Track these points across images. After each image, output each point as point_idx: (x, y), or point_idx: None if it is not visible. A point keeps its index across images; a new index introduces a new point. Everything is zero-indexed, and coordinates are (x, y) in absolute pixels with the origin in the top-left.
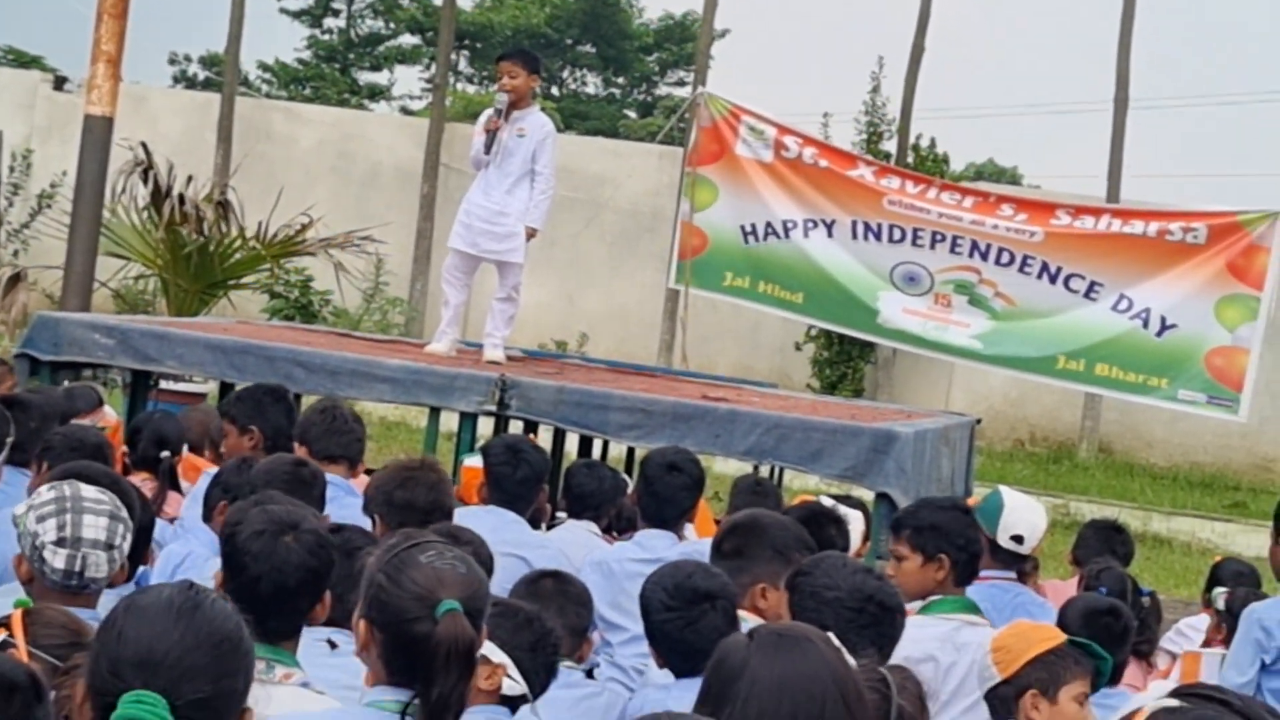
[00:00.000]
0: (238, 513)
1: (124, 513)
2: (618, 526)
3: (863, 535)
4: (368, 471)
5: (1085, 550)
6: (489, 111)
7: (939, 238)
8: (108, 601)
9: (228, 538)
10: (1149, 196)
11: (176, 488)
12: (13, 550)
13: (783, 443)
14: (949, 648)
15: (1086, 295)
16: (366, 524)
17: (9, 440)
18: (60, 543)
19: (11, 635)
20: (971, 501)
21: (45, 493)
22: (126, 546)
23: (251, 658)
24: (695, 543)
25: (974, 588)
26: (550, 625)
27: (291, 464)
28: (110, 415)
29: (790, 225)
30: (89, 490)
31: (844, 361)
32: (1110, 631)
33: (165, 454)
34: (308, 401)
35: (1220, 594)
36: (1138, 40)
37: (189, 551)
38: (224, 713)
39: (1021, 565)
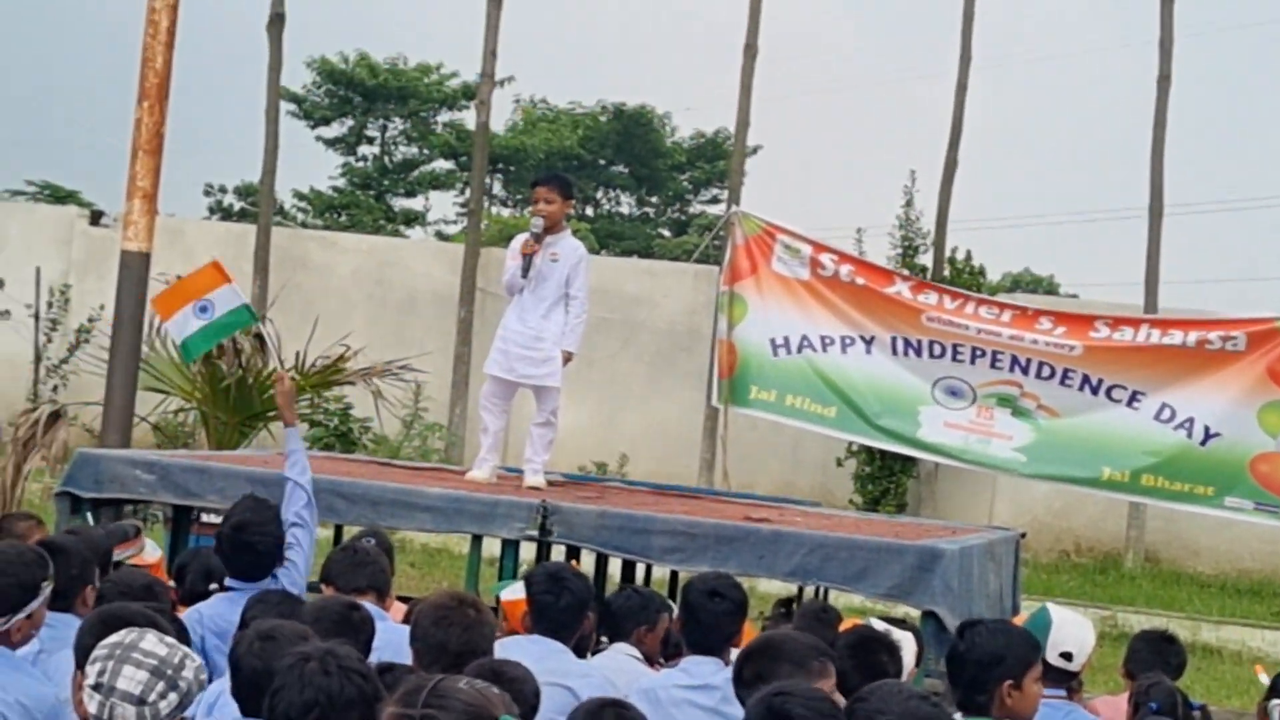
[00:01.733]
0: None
1: (182, 671)
2: (664, 653)
3: (916, 657)
4: (408, 600)
5: (1136, 663)
6: (523, 236)
7: (979, 353)
8: None
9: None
10: (1186, 302)
11: None
12: (55, 694)
13: (827, 563)
14: None
15: (1129, 404)
16: (404, 648)
17: (46, 585)
18: (97, 688)
19: None
20: (1019, 620)
21: (111, 637)
22: (166, 706)
23: None
24: None
25: None
26: None
27: (344, 607)
28: (152, 552)
29: (828, 341)
30: (148, 641)
31: (886, 477)
32: None
33: (213, 587)
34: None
35: (1276, 706)
36: (1170, 147)
37: (223, 689)
38: None
39: (1070, 682)
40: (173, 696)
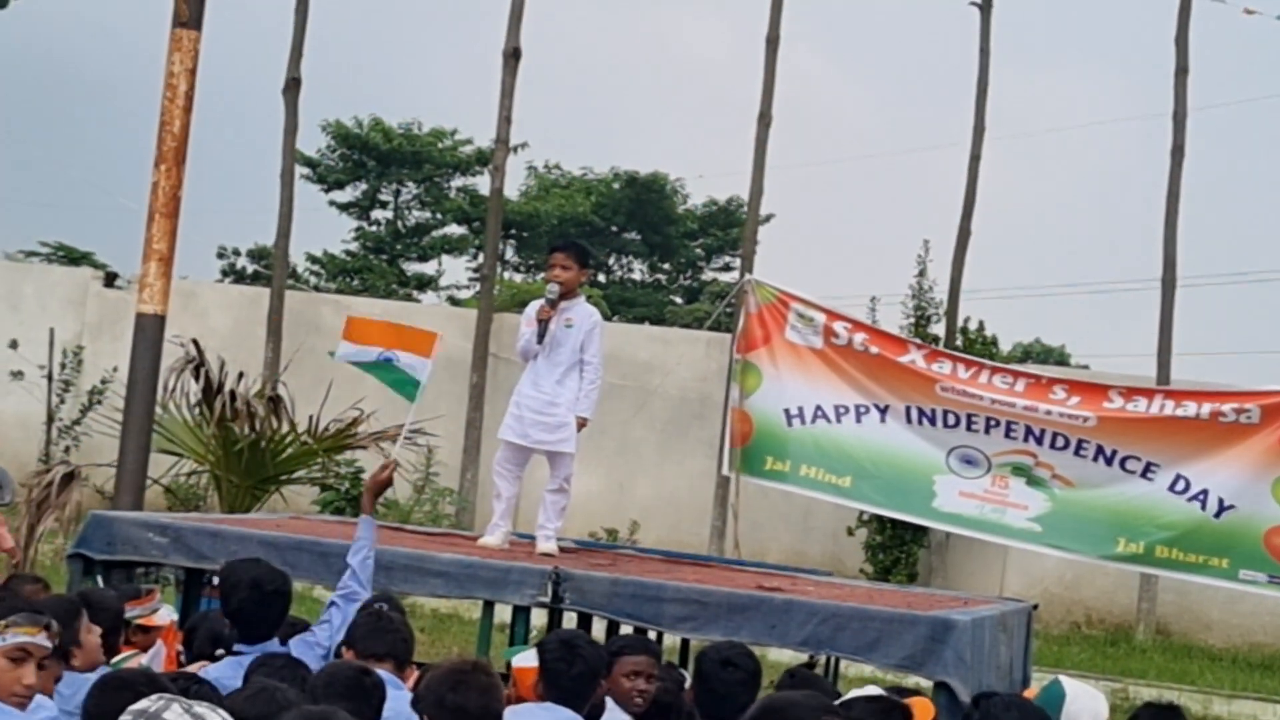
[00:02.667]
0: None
1: None
2: None
3: None
4: (420, 665)
5: None
6: (538, 302)
7: (993, 423)
8: None
9: None
10: (1198, 375)
11: None
12: None
13: (839, 632)
14: None
15: (1143, 475)
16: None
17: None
18: None
19: None
20: (1030, 693)
21: (140, 702)
22: None
23: None
24: None
25: None
26: None
27: (356, 671)
28: (166, 615)
29: (842, 410)
30: (173, 713)
31: (897, 546)
32: None
33: (220, 651)
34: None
35: None
36: (1184, 219)
37: None
38: None
39: None
40: None
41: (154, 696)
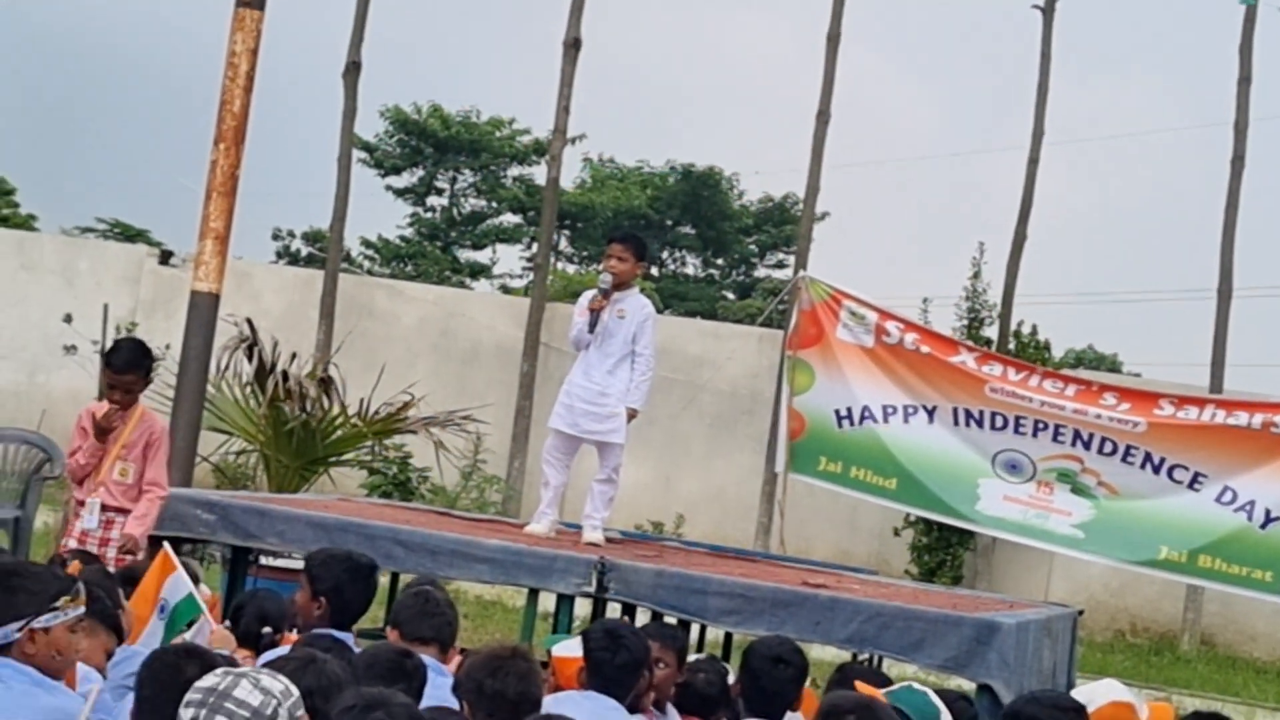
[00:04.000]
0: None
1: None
2: (729, 716)
3: None
4: (462, 651)
5: None
6: (591, 292)
7: (1041, 426)
8: None
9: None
10: (1252, 386)
11: None
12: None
13: (884, 631)
14: None
15: (1190, 486)
16: (455, 704)
17: (68, 607)
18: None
19: None
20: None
21: (207, 678)
22: None
23: None
24: None
25: None
26: None
27: (396, 654)
28: (206, 591)
29: (890, 410)
30: (242, 690)
31: (943, 548)
32: None
33: (267, 630)
34: (405, 580)
35: None
36: (1242, 229)
37: None
38: None
39: None
40: None
41: (220, 671)
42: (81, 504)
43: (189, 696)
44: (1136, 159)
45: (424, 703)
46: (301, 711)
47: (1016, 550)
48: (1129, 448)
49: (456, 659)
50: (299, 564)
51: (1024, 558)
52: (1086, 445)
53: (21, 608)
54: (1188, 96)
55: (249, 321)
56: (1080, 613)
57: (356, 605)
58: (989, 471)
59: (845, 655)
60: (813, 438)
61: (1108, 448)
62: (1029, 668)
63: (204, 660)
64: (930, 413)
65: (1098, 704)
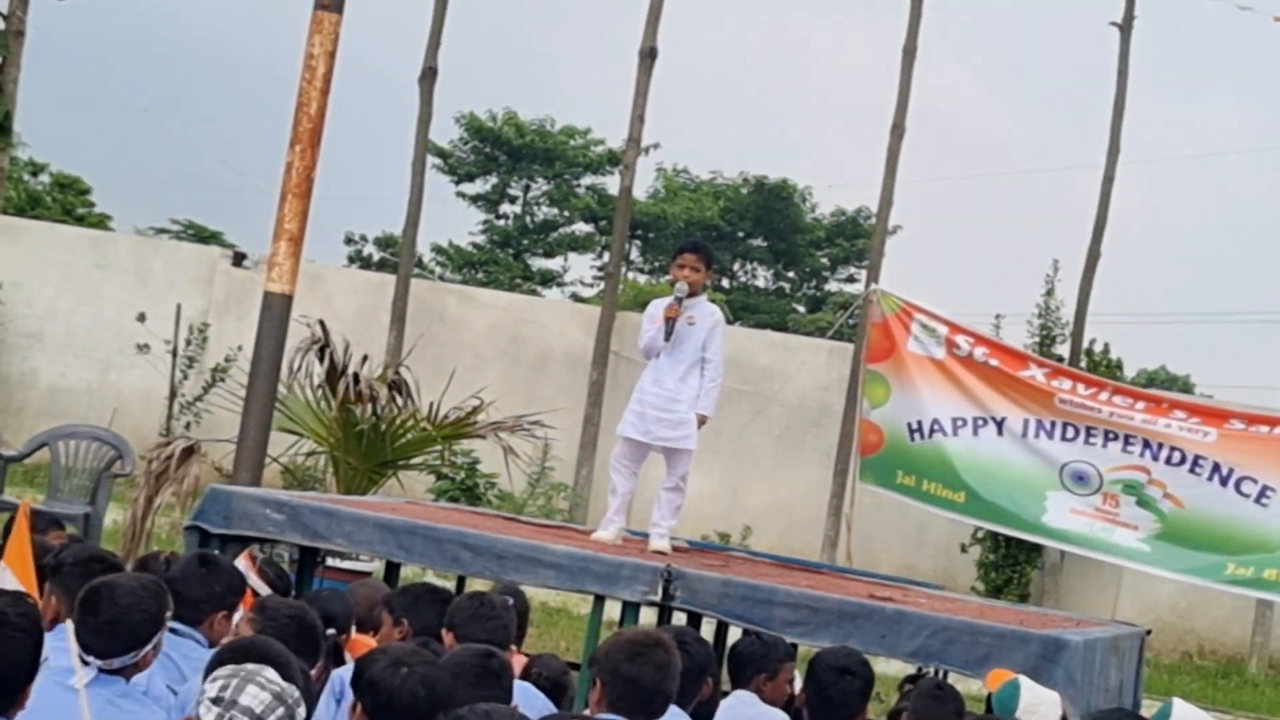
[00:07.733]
0: None
1: (298, 708)
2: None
3: None
4: (529, 656)
5: None
6: (662, 301)
7: (1111, 436)
8: None
9: None
10: None
11: (342, 664)
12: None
13: (949, 646)
14: None
15: (1257, 500)
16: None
17: (169, 615)
18: (217, 701)
19: None
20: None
21: (223, 670)
22: None
23: None
24: None
25: None
26: None
27: (481, 655)
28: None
29: (960, 423)
30: (271, 675)
31: (1010, 565)
32: None
33: (331, 631)
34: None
35: None
36: None
37: None
38: None
39: None
40: None
41: (231, 667)
42: None
43: (218, 671)
44: (1213, 179)
45: None
46: (302, 709)
47: (1084, 569)
48: (1197, 458)
49: (517, 658)
50: (366, 566)
51: (1092, 576)
52: (1155, 455)
53: (147, 631)
54: (1265, 117)
55: (321, 323)
56: (1148, 632)
57: (437, 624)
58: (1056, 484)
59: (908, 667)
60: (891, 451)
61: (1176, 458)
62: (1096, 686)
63: (273, 653)
64: (999, 424)
65: None
